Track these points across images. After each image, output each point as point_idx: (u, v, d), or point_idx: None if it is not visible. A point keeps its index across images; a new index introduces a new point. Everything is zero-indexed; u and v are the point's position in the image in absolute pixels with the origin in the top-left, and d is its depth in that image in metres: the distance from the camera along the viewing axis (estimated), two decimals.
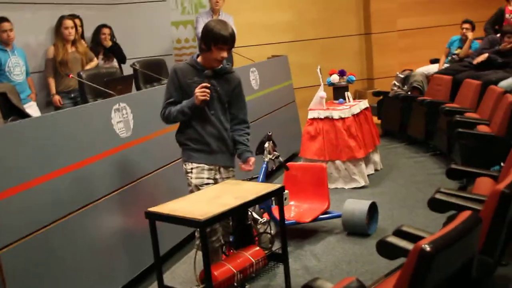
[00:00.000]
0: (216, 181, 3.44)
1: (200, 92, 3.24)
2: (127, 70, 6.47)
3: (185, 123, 3.43)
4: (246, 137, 3.53)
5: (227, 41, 3.25)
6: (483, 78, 6.28)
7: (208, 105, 3.35)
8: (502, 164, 4.37)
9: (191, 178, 3.41)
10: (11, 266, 2.85)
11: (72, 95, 5.91)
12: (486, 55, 6.72)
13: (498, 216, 2.39)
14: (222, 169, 3.46)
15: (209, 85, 3.27)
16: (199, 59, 3.39)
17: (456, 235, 1.89)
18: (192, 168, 3.41)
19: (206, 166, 3.41)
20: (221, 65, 3.38)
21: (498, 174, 3.63)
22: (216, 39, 3.23)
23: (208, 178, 3.42)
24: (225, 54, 3.29)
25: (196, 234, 3.41)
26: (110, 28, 6.57)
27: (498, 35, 6.98)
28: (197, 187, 3.38)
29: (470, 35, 7.33)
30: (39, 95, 5.96)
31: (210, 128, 3.39)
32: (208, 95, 3.26)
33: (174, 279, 3.95)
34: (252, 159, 3.52)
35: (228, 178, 3.48)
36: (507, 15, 7.65)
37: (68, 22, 5.81)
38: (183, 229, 3.97)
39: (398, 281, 1.85)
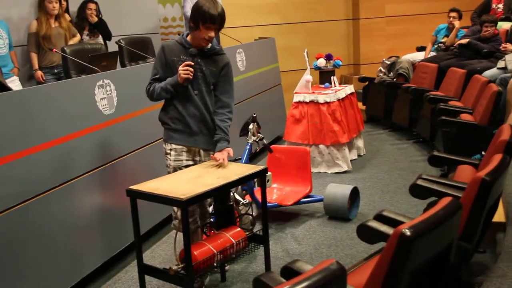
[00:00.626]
0: (195, 163, 3.38)
1: (183, 70, 3.19)
2: (112, 47, 6.38)
3: (168, 101, 3.38)
4: (228, 123, 3.41)
5: (215, 20, 3.20)
6: (468, 67, 6.32)
7: (192, 84, 3.30)
8: (483, 153, 4.41)
9: (169, 160, 3.38)
10: None
11: (56, 71, 5.82)
12: (467, 40, 6.77)
13: (478, 203, 2.41)
14: (202, 152, 3.40)
15: (192, 63, 3.23)
16: (188, 38, 3.35)
17: (436, 221, 1.90)
18: (171, 150, 3.36)
19: (185, 148, 3.36)
20: (210, 45, 3.34)
21: (479, 162, 3.66)
22: (205, 18, 3.19)
23: (187, 160, 3.37)
24: (212, 34, 3.24)
25: (173, 214, 3.40)
26: (96, 3, 6.46)
27: None
28: (175, 169, 3.34)
29: (457, 23, 7.35)
30: (21, 70, 5.86)
31: (192, 109, 3.33)
32: (192, 74, 3.21)
33: (154, 258, 3.94)
34: (230, 150, 3.36)
35: (208, 161, 3.40)
36: (493, 5, 7.70)
37: None
38: (164, 208, 3.95)
39: (377, 265, 1.86)
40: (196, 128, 3.34)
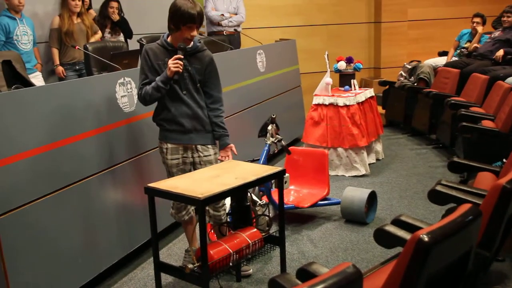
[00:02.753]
0: (194, 160, 3.44)
1: (173, 63, 3.20)
2: (134, 45, 6.43)
3: (160, 104, 3.41)
4: (222, 117, 3.48)
5: (195, 19, 3.22)
6: (490, 73, 6.24)
7: (180, 85, 3.33)
8: (504, 160, 4.35)
9: (166, 159, 3.44)
10: (8, 233, 2.85)
11: (77, 67, 5.89)
12: (502, 51, 6.67)
13: (498, 211, 2.38)
14: (199, 147, 3.43)
15: (182, 57, 3.24)
16: (169, 39, 3.36)
17: (454, 227, 1.88)
18: (167, 148, 3.42)
19: (181, 146, 3.41)
20: (192, 44, 3.35)
21: (500, 169, 3.62)
22: (185, 19, 3.21)
23: (184, 157, 3.43)
24: (195, 33, 3.27)
25: (170, 203, 3.49)
26: (118, 2, 6.52)
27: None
28: (173, 167, 3.42)
29: (480, 29, 7.27)
30: (44, 66, 5.93)
31: (184, 108, 3.36)
32: (181, 67, 3.23)
33: (170, 256, 3.96)
34: (232, 146, 3.50)
35: (207, 156, 3.45)
36: None
37: None
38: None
39: (394, 270, 1.85)
40: (190, 126, 3.39)
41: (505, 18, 6.83)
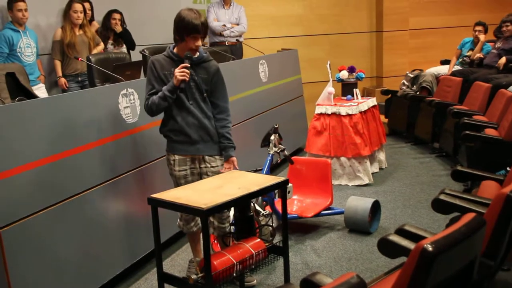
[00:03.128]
0: (201, 171, 3.45)
1: (180, 72, 3.22)
2: (136, 56, 6.45)
3: (166, 114, 3.42)
4: (229, 127, 3.48)
5: (200, 30, 3.25)
6: (493, 82, 6.24)
7: (187, 95, 3.34)
8: (508, 168, 4.34)
9: (174, 170, 3.44)
10: (11, 244, 2.85)
11: (79, 79, 5.91)
12: (504, 58, 6.70)
13: (502, 220, 2.37)
14: (207, 158, 3.44)
15: (188, 65, 3.26)
16: (175, 50, 3.38)
17: (459, 237, 1.87)
18: (174, 160, 3.42)
19: (189, 157, 3.41)
20: (198, 54, 3.37)
21: (504, 178, 3.61)
22: (189, 29, 3.23)
23: (191, 168, 3.43)
24: (199, 43, 3.30)
25: (178, 214, 3.50)
26: (120, 13, 6.55)
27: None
28: (181, 178, 3.42)
29: (482, 37, 7.28)
30: (47, 78, 5.96)
31: (191, 119, 3.37)
32: (188, 75, 3.24)
33: (173, 267, 3.95)
34: (234, 160, 3.49)
35: (215, 167, 3.46)
36: None
37: (78, 6, 5.80)
38: None
39: (398, 280, 1.84)
40: (197, 137, 3.39)
41: (504, 28, 6.88)
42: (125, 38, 6.58)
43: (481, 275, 2.32)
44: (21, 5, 5.36)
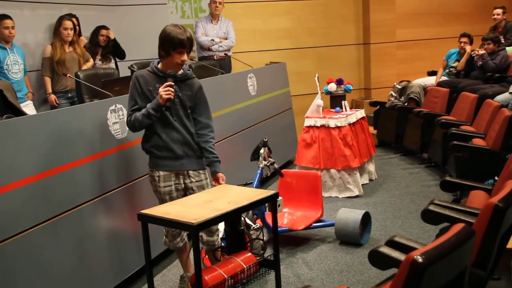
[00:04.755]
0: (186, 186, 3.44)
1: (164, 91, 3.22)
2: (125, 71, 6.46)
3: (149, 130, 3.40)
4: (212, 142, 3.48)
5: (185, 44, 3.27)
6: (479, 92, 6.31)
7: (171, 111, 3.34)
8: (496, 178, 4.37)
9: (158, 187, 3.41)
10: (3, 261, 2.82)
11: (69, 95, 5.90)
12: (482, 50, 6.98)
13: (491, 229, 2.38)
14: (191, 173, 3.44)
15: (173, 83, 3.27)
16: (159, 65, 3.39)
17: (448, 247, 1.88)
18: (158, 176, 3.40)
19: (173, 173, 3.41)
20: (182, 71, 3.39)
21: (492, 187, 3.63)
22: (175, 44, 3.25)
23: (176, 184, 3.42)
24: (185, 57, 3.32)
25: (163, 231, 3.50)
26: (108, 29, 6.57)
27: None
28: (165, 194, 3.40)
29: (468, 48, 7.37)
30: (36, 94, 5.94)
31: (175, 134, 3.37)
32: (172, 94, 3.25)
33: (164, 283, 3.93)
34: (220, 176, 3.47)
35: (199, 181, 3.46)
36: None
37: (68, 23, 5.81)
38: None
39: None
40: (181, 152, 3.39)
41: (486, 46, 7.05)
42: (115, 48, 6.59)
43: (472, 285, 2.33)
44: (7, 22, 5.36)
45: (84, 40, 6.45)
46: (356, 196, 5.64)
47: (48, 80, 5.86)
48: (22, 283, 2.95)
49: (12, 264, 2.90)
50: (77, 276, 3.35)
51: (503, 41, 7.46)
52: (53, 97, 5.84)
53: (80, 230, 3.40)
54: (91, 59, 6.23)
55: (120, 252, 3.74)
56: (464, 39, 7.45)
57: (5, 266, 2.85)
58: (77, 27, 6.29)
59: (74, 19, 6.12)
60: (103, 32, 6.52)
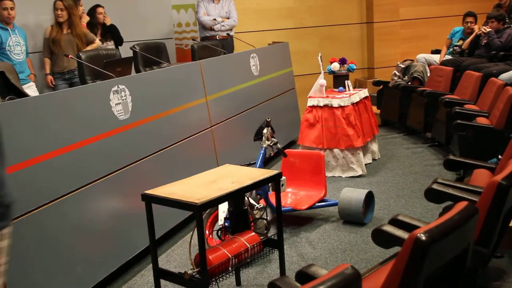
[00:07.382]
0: None
1: None
2: (127, 52, 6.43)
3: None
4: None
5: None
6: (484, 70, 6.27)
7: None
8: (499, 157, 4.37)
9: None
10: (15, 237, 2.84)
11: (67, 76, 5.89)
12: (488, 28, 6.94)
13: (495, 208, 2.39)
14: None
15: None
16: None
17: (452, 225, 1.88)
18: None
19: None
20: None
21: (496, 166, 3.63)
22: None
23: None
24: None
25: None
26: (103, 7, 6.50)
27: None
28: None
29: (476, 28, 7.32)
30: (38, 76, 5.93)
31: None
32: None
33: (169, 263, 3.96)
34: None
35: None
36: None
37: (58, 4, 5.72)
38: (179, 213, 3.98)
39: (393, 270, 1.85)
40: None
41: (490, 24, 6.98)
42: (113, 33, 6.54)
43: (475, 263, 2.34)
44: (6, 3, 5.31)
45: (87, 18, 6.39)
46: (359, 176, 5.64)
47: (47, 61, 5.85)
48: (26, 264, 2.97)
49: (16, 244, 2.91)
50: (82, 257, 3.37)
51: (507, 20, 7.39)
52: (49, 77, 5.83)
53: (84, 211, 3.42)
54: (97, 41, 6.17)
55: (124, 232, 3.76)
56: (470, 19, 7.39)
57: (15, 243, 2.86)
58: (81, 7, 6.24)
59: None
60: (100, 10, 6.45)
